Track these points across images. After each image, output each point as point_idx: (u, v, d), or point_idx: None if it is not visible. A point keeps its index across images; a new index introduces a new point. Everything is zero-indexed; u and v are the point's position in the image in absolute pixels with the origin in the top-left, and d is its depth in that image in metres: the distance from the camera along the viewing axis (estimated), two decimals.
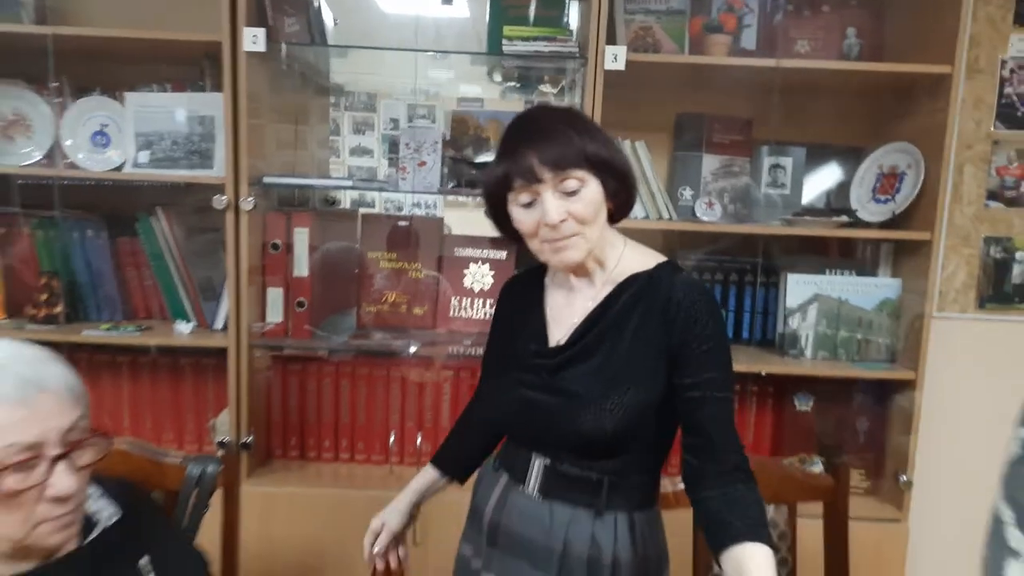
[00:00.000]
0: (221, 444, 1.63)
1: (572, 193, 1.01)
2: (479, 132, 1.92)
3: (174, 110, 1.70)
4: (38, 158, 1.73)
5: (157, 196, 1.77)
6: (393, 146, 1.82)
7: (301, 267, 1.74)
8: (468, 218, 2.10)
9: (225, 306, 1.71)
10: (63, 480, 0.79)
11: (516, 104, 2.11)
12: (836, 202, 1.90)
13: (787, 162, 1.90)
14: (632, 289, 1.07)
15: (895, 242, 1.79)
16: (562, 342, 1.09)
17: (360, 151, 2.37)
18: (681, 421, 1.04)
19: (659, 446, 1.08)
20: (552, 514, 1.07)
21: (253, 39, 1.56)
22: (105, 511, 0.91)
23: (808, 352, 1.78)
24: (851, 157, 1.89)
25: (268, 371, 1.81)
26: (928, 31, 1.68)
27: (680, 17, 1.82)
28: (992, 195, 1.98)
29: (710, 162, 1.87)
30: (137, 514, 0.95)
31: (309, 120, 2.07)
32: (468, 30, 1.93)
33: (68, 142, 1.71)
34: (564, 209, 1.01)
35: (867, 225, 1.76)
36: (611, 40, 1.73)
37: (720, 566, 0.97)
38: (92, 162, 1.72)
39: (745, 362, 1.73)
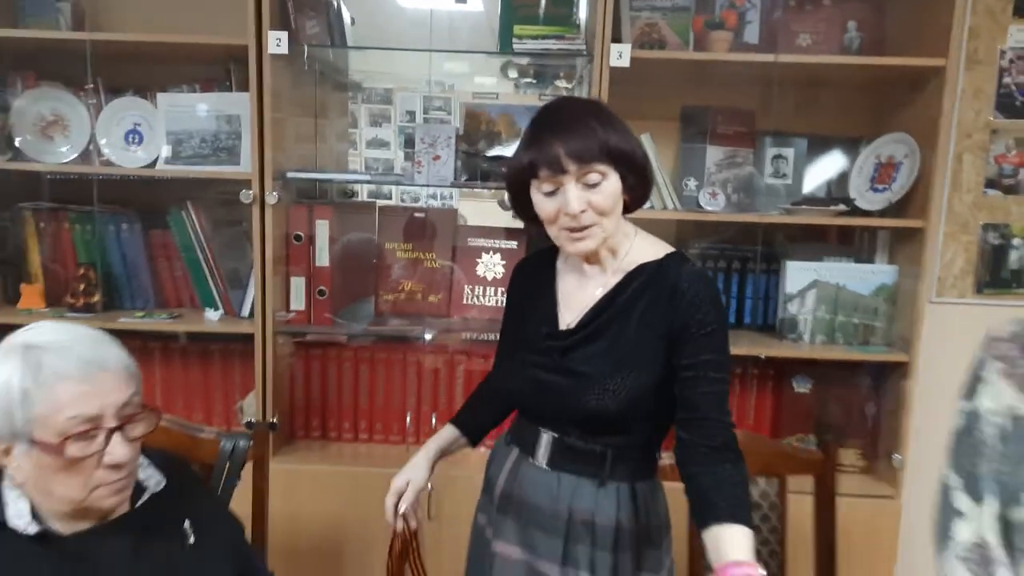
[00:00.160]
0: (249, 424, 1.73)
1: (593, 185, 1.06)
2: (491, 127, 2.00)
3: (202, 109, 1.80)
4: (75, 156, 1.83)
5: (187, 191, 1.87)
6: (409, 141, 1.90)
7: (322, 257, 1.84)
8: (481, 209, 2.18)
9: (251, 294, 1.82)
10: (118, 449, 0.90)
11: (530, 99, 2.18)
12: (836, 191, 1.96)
13: (789, 153, 1.96)
14: (641, 278, 1.12)
15: (892, 229, 1.85)
16: (572, 326, 1.15)
17: (377, 143, 2.45)
18: (677, 399, 1.10)
19: (659, 424, 1.15)
20: (559, 483, 1.14)
21: (277, 42, 1.64)
22: (152, 479, 1.01)
23: (807, 336, 1.85)
24: (851, 147, 1.94)
25: (291, 356, 1.91)
26: (925, 24, 1.73)
27: (685, 13, 1.88)
28: (990, 183, 2.02)
29: (714, 153, 1.93)
30: (180, 482, 1.06)
31: (328, 115, 2.15)
32: (482, 23, 1.99)
33: (103, 140, 1.82)
34: (585, 200, 1.06)
35: (865, 213, 1.82)
36: (618, 35, 1.79)
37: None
38: (125, 159, 1.82)
39: (746, 346, 1.80)
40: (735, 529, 0.99)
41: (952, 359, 2.11)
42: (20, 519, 0.90)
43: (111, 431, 0.89)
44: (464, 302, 1.98)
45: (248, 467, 1.33)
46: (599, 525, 1.12)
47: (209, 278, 1.88)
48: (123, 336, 0.97)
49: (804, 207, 1.81)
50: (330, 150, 2.16)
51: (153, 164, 1.81)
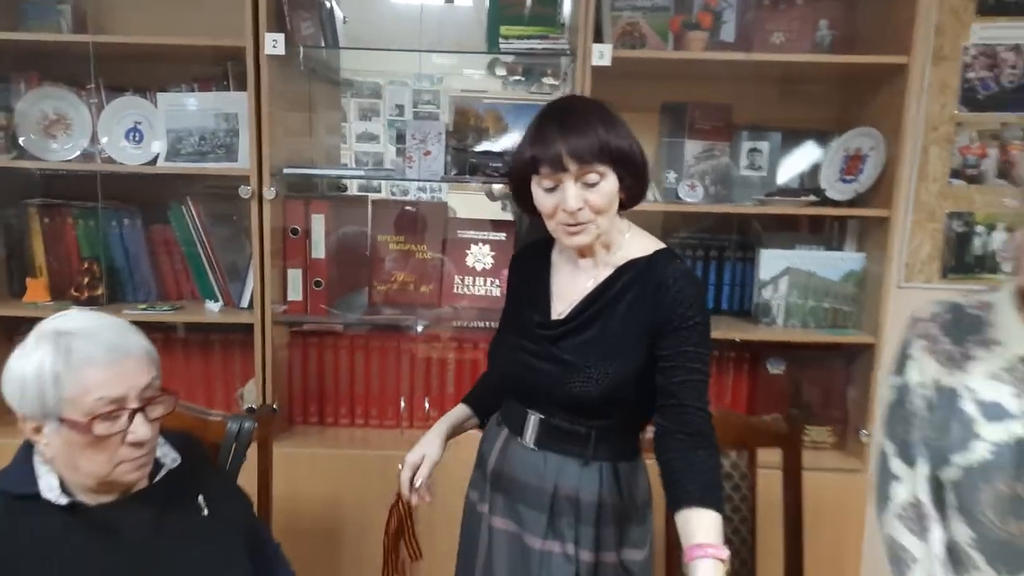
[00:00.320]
0: (250, 410, 1.81)
1: (592, 185, 1.11)
2: (479, 123, 2.08)
3: (201, 108, 1.87)
4: (77, 154, 1.89)
5: (186, 187, 1.94)
6: (400, 137, 1.98)
7: (318, 250, 1.91)
8: (469, 201, 2.26)
9: (250, 286, 1.89)
10: (140, 428, 0.98)
11: (518, 95, 2.26)
12: (808, 182, 2.05)
13: (764, 146, 2.05)
14: (630, 273, 1.18)
15: (860, 218, 1.95)
16: (563, 316, 1.21)
17: (367, 137, 2.52)
18: (657, 387, 1.15)
19: (640, 410, 1.20)
20: (545, 462, 1.21)
21: (273, 43, 1.71)
22: (169, 456, 1.10)
23: (780, 320, 1.95)
24: (822, 140, 2.03)
25: (289, 345, 1.99)
26: (891, 23, 1.81)
27: (665, 13, 1.96)
28: (955, 173, 2.12)
29: (693, 147, 2.02)
30: (194, 459, 1.14)
31: (321, 111, 2.22)
32: (471, 18, 2.06)
33: (104, 139, 1.88)
34: (582, 198, 1.11)
35: (834, 203, 1.92)
36: (600, 34, 1.87)
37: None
38: (127, 157, 1.88)
39: (723, 330, 1.90)
40: (705, 513, 1.05)
41: None
42: (51, 491, 0.98)
43: (134, 412, 0.98)
44: (455, 292, 2.06)
45: (252, 449, 1.41)
46: (583, 501, 1.19)
47: (209, 271, 1.95)
48: None
49: (777, 198, 1.91)
50: (323, 145, 2.23)
51: (153, 161, 1.88)
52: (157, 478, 1.07)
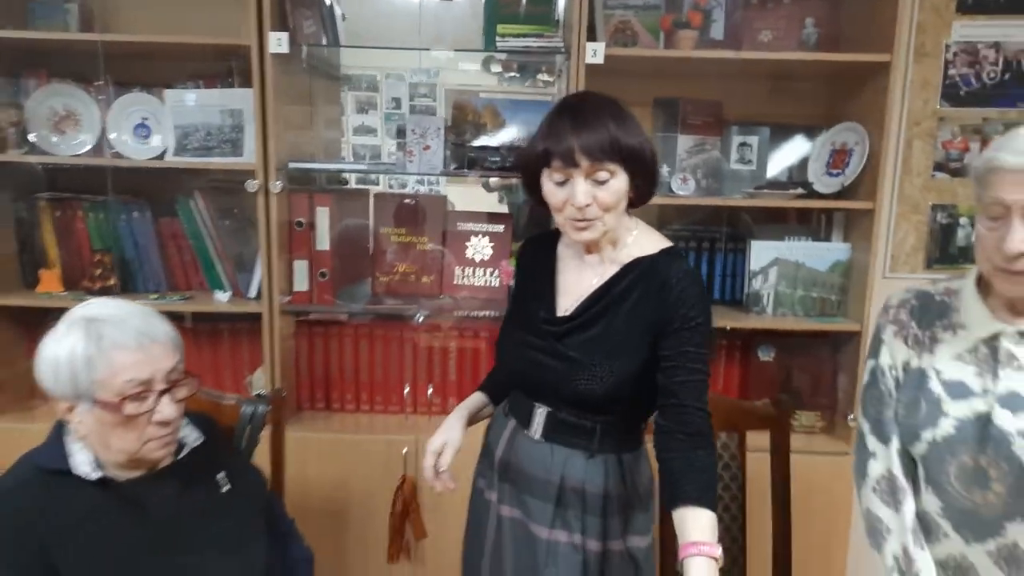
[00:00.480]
0: (259, 396, 1.88)
1: (601, 182, 1.12)
2: (477, 118, 2.14)
3: (207, 105, 1.92)
4: (87, 149, 1.95)
5: (193, 181, 1.99)
6: (400, 132, 2.03)
7: (323, 242, 1.97)
8: (466, 194, 2.32)
9: (257, 277, 1.95)
10: (166, 408, 1.05)
11: (514, 90, 2.31)
12: (797, 176, 2.12)
13: (753, 140, 2.12)
14: (635, 271, 1.19)
15: (845, 210, 2.02)
16: (568, 312, 1.22)
17: (364, 130, 2.56)
18: (658, 385, 1.16)
19: (644, 404, 1.22)
20: (552, 454, 1.23)
21: (278, 42, 1.77)
22: (191, 436, 1.17)
23: (769, 309, 2.02)
24: (810, 135, 2.10)
25: (296, 334, 2.05)
26: (875, 21, 1.88)
27: (656, 11, 2.02)
28: (939, 167, 2.20)
29: (684, 141, 2.08)
30: (214, 439, 1.21)
31: (322, 106, 2.27)
32: (467, 13, 2.12)
33: (113, 134, 1.93)
34: (591, 195, 1.12)
35: (821, 196, 1.99)
36: (593, 32, 1.93)
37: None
38: (135, 152, 1.94)
39: (715, 318, 1.93)
40: (700, 512, 1.08)
41: None
42: (84, 467, 1.05)
43: (161, 393, 1.04)
44: (455, 282, 2.13)
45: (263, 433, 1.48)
46: (589, 493, 1.21)
47: (217, 262, 2.01)
48: None
49: (766, 191, 1.98)
50: (324, 139, 2.29)
51: (161, 156, 1.93)
52: (180, 456, 1.14)
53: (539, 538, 1.23)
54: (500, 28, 1.90)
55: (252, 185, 1.83)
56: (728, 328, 2.00)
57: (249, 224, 2.02)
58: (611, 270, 1.22)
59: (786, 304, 2.02)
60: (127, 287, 2.01)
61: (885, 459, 1.16)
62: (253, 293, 1.99)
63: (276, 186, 1.84)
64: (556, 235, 1.32)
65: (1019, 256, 0.99)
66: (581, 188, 1.12)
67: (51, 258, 2.00)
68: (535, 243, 1.37)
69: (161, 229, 2.03)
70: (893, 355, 1.17)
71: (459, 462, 1.77)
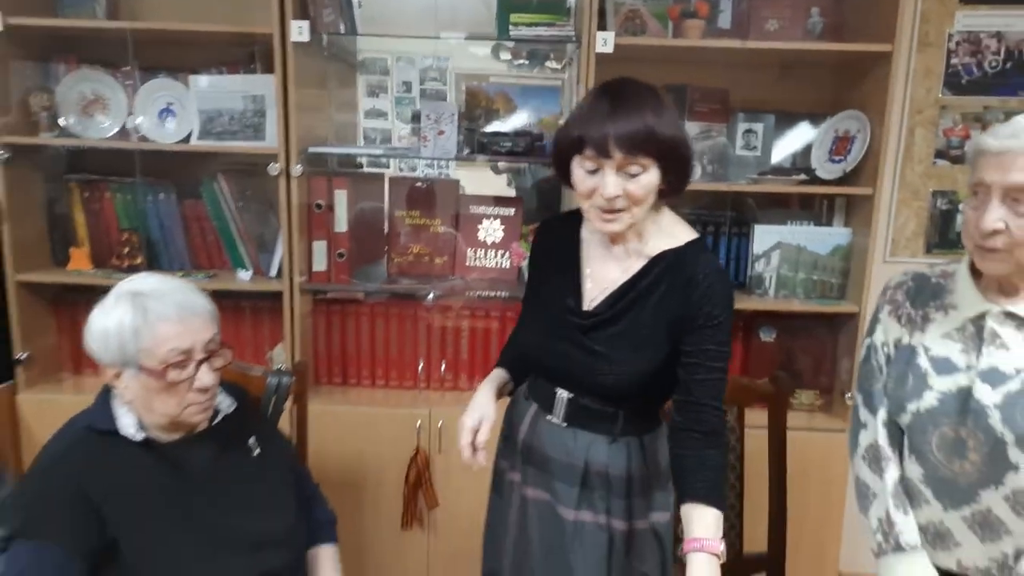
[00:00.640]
0: (279, 371, 1.96)
1: (633, 175, 1.10)
2: (489, 104, 2.20)
3: (230, 90, 1.99)
4: (114, 132, 2.02)
5: (216, 164, 2.07)
6: (415, 117, 2.10)
7: (340, 223, 2.05)
8: (476, 177, 2.39)
9: (278, 256, 2.03)
10: (205, 376, 1.13)
11: (526, 77, 2.36)
12: (801, 162, 2.18)
13: (759, 127, 2.18)
14: (661, 265, 1.18)
15: (847, 196, 2.08)
16: (594, 306, 1.22)
17: (375, 113, 2.61)
18: (677, 379, 1.18)
19: (666, 390, 1.23)
20: (575, 438, 1.25)
21: (299, 30, 1.84)
22: (225, 403, 1.25)
23: (771, 291, 2.09)
24: (813, 122, 2.15)
25: (314, 312, 2.13)
26: (878, 11, 1.92)
27: (664, 0, 2.08)
28: (940, 154, 2.25)
29: (691, 128, 2.13)
30: (245, 406, 1.30)
31: (338, 91, 2.34)
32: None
33: (140, 119, 2.01)
34: (621, 187, 1.10)
35: (823, 182, 2.05)
36: (603, 21, 1.99)
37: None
38: (161, 135, 2.01)
39: None
40: (707, 510, 1.11)
41: None
42: (130, 429, 1.14)
43: (200, 362, 1.13)
44: (467, 263, 2.20)
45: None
46: (612, 476, 1.23)
47: (239, 242, 2.09)
48: None
49: (769, 177, 2.04)
50: (340, 123, 2.35)
51: (186, 140, 2.01)
52: (215, 421, 1.22)
53: (565, 519, 1.25)
54: (513, 17, 1.96)
55: (274, 168, 1.91)
56: None
57: (269, 206, 2.10)
58: (637, 264, 1.21)
59: (788, 286, 2.09)
60: (153, 266, 2.09)
61: (873, 429, 1.24)
62: (274, 272, 2.07)
63: (297, 170, 1.91)
64: (578, 218, 1.29)
65: (992, 233, 1.05)
66: (611, 180, 1.10)
67: (80, 237, 2.09)
68: (556, 225, 1.35)
69: (186, 210, 2.11)
70: (887, 333, 1.25)
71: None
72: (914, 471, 1.20)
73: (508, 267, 2.18)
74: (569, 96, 2.16)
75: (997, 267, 1.09)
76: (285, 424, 1.57)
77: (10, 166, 1.93)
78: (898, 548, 1.18)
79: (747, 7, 2.07)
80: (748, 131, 2.18)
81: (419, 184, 2.20)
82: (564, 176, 1.21)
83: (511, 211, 2.20)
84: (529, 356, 1.34)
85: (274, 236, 2.07)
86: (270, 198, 2.06)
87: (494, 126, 2.20)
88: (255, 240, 2.10)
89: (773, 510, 1.61)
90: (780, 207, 2.18)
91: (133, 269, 2.02)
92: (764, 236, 2.09)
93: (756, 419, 1.69)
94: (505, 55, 2.28)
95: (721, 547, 1.09)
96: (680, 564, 1.13)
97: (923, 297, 1.22)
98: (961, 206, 2.27)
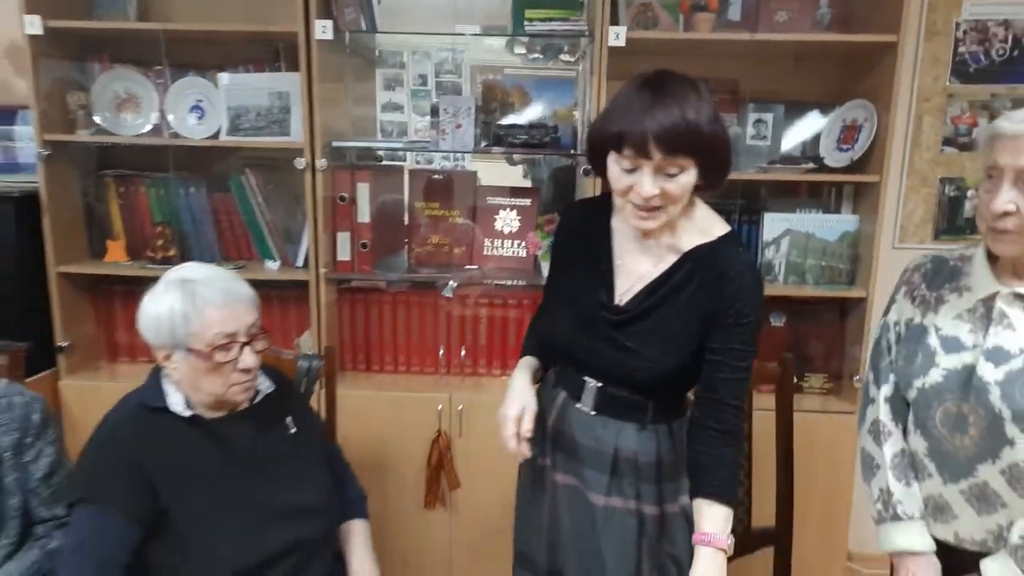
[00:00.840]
0: (309, 355, 2.05)
1: (671, 175, 1.08)
2: (505, 98, 2.27)
3: (256, 87, 2.07)
4: (147, 129, 2.11)
5: (244, 159, 2.16)
6: (434, 111, 2.17)
7: (363, 215, 2.13)
8: (493, 169, 2.45)
9: (304, 247, 2.12)
10: (248, 358, 1.22)
11: (541, 69, 2.42)
12: (810, 151, 2.23)
13: (768, 117, 2.23)
14: (693, 260, 1.18)
15: (854, 184, 2.13)
16: (625, 301, 1.22)
17: (391, 107, 2.67)
18: (700, 375, 1.19)
19: (696, 379, 1.23)
20: (604, 426, 1.25)
21: (323, 29, 1.91)
22: (265, 383, 1.34)
23: (781, 277, 2.14)
24: (822, 112, 2.20)
25: (338, 300, 2.22)
26: (883, 2, 1.95)
27: None
28: (947, 141, 2.30)
29: None
30: (282, 388, 1.38)
31: (358, 86, 2.41)
32: None
33: (171, 116, 2.10)
34: (659, 186, 1.08)
35: (831, 170, 2.10)
36: (616, 14, 2.04)
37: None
38: (191, 132, 2.10)
39: None
40: (719, 507, 1.14)
41: None
42: (178, 406, 1.23)
43: (243, 344, 1.22)
44: (485, 253, 2.28)
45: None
46: (642, 462, 1.25)
47: (267, 234, 2.18)
48: None
49: (778, 165, 2.09)
50: (357, 117, 2.43)
51: (215, 135, 2.09)
52: (256, 401, 1.31)
53: (596, 505, 1.27)
54: (528, 12, 2.02)
55: (300, 163, 1.99)
56: None
57: (294, 198, 2.19)
58: (670, 258, 1.20)
59: (797, 272, 2.15)
60: (185, 258, 2.17)
61: (877, 405, 1.30)
62: (300, 262, 2.16)
63: (322, 164, 1.99)
64: (608, 205, 1.27)
65: (1003, 215, 1.09)
66: (648, 179, 1.09)
67: (116, 230, 2.19)
68: (585, 210, 1.34)
69: (215, 204, 2.19)
70: (900, 312, 1.30)
71: (488, 414, 1.91)
72: (919, 445, 1.25)
73: (524, 256, 2.26)
74: (583, 88, 2.22)
75: (1009, 248, 1.12)
76: (314, 406, 1.66)
77: (50, 162, 2.02)
78: (896, 517, 1.24)
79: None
80: (758, 121, 2.24)
81: (437, 176, 2.28)
82: (598, 168, 1.19)
83: (527, 201, 2.27)
84: (556, 346, 1.33)
85: (299, 228, 2.16)
86: (294, 191, 2.14)
87: (510, 119, 2.26)
88: (281, 232, 2.19)
89: (781, 487, 1.68)
90: (790, 195, 2.23)
91: (166, 261, 2.12)
92: (773, 223, 2.14)
93: (766, 402, 1.75)
94: (520, 49, 2.34)
95: (728, 542, 1.13)
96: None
97: (939, 279, 1.26)
98: (970, 193, 2.31)
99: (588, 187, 2.02)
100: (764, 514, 1.72)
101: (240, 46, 2.13)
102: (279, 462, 1.31)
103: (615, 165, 1.13)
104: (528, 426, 1.23)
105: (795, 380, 2.18)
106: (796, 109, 2.23)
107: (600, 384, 1.25)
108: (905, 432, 1.29)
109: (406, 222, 2.28)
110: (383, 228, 2.21)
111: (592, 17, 1.99)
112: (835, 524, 2.15)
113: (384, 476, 2.13)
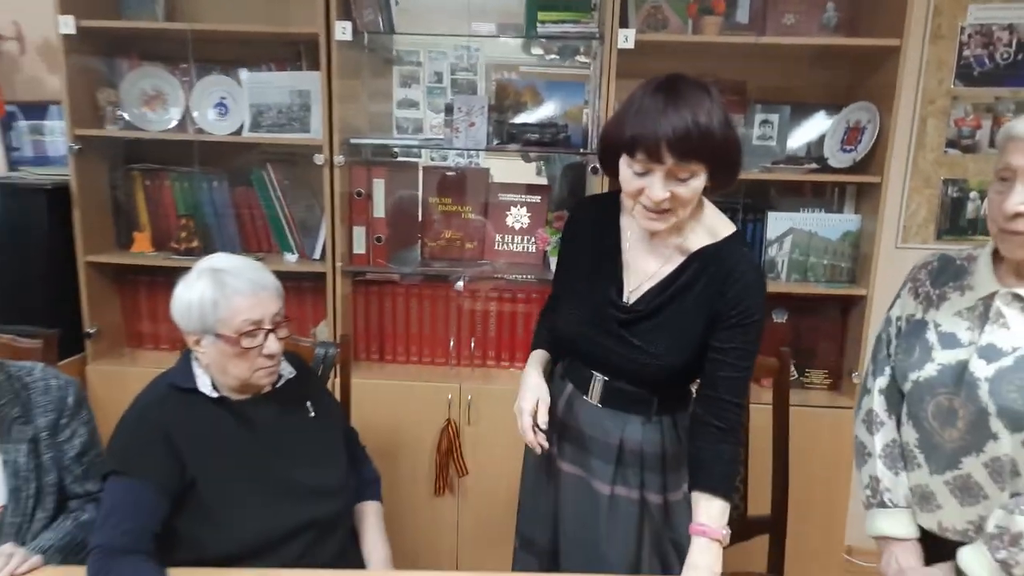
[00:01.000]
0: (325, 343, 2.13)
1: (682, 180, 1.11)
2: (518, 97, 2.33)
3: (278, 86, 2.15)
4: (173, 125, 2.20)
5: (265, 154, 2.24)
6: (448, 109, 2.23)
7: (379, 210, 2.20)
8: (507, 167, 2.52)
9: (321, 240, 2.20)
10: (272, 344, 1.30)
11: (553, 70, 2.48)
12: (815, 151, 2.28)
13: (774, 118, 2.28)
14: (701, 260, 1.21)
15: (857, 184, 2.18)
16: (634, 300, 1.25)
17: (407, 104, 2.73)
18: (702, 372, 1.23)
19: (699, 373, 1.27)
20: (611, 418, 1.30)
21: (342, 30, 1.98)
22: (287, 369, 1.42)
23: (783, 275, 2.20)
24: (827, 113, 2.25)
25: (354, 292, 2.29)
26: (887, 7, 2.00)
27: None
28: (951, 143, 2.34)
29: None
30: (303, 373, 1.46)
31: (372, 83, 2.47)
32: None
33: (195, 112, 2.18)
34: (669, 190, 1.11)
35: (834, 171, 2.15)
36: (626, 16, 2.10)
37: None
38: (215, 128, 2.18)
39: None
40: (716, 500, 1.18)
41: None
42: (206, 388, 1.31)
43: (268, 331, 1.29)
44: (495, 248, 2.35)
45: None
46: (647, 453, 1.29)
47: (286, 227, 2.26)
48: None
49: (781, 165, 2.15)
50: (374, 113, 2.50)
51: (238, 132, 2.17)
52: (279, 385, 1.39)
53: (601, 493, 1.31)
54: (541, 15, 2.08)
55: (318, 159, 2.06)
56: None
57: (312, 193, 2.26)
58: (677, 259, 1.23)
59: (799, 270, 2.20)
60: (208, 250, 2.23)
61: (872, 395, 1.35)
62: (317, 255, 2.24)
63: (339, 160, 2.07)
64: (617, 203, 1.31)
65: (1015, 216, 1.10)
66: (659, 184, 1.11)
67: (142, 222, 2.27)
68: (594, 208, 1.36)
69: (237, 197, 2.28)
70: (903, 308, 1.34)
71: (497, 405, 1.97)
72: (910, 436, 1.29)
73: (534, 251, 2.32)
74: (595, 88, 2.28)
75: (1020, 251, 1.14)
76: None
77: (80, 156, 2.11)
78: (882, 504, 1.29)
79: (764, 3, 2.17)
80: (765, 121, 2.29)
81: (451, 173, 2.35)
82: (610, 169, 1.21)
83: (537, 198, 2.33)
84: (564, 340, 1.37)
85: (317, 221, 2.24)
86: (313, 186, 2.22)
87: (521, 117, 2.33)
88: (299, 225, 2.27)
89: (777, 477, 1.74)
90: (795, 195, 2.28)
91: (189, 252, 2.20)
92: (777, 222, 2.20)
93: (766, 396, 1.80)
94: (538, 50, 2.40)
95: (723, 532, 1.17)
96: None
97: (944, 277, 1.29)
98: (990, 193, 2.35)
99: (597, 185, 2.09)
100: (762, 503, 1.78)
101: (263, 46, 2.21)
102: (299, 443, 1.39)
103: (627, 168, 1.15)
104: (544, 418, 1.27)
105: (797, 376, 2.26)
106: (802, 110, 2.28)
107: (607, 378, 1.30)
108: (899, 423, 1.33)
109: (420, 217, 2.35)
110: (397, 223, 2.29)
111: (602, 20, 2.05)
112: (834, 517, 2.20)
113: (395, 463, 2.21)
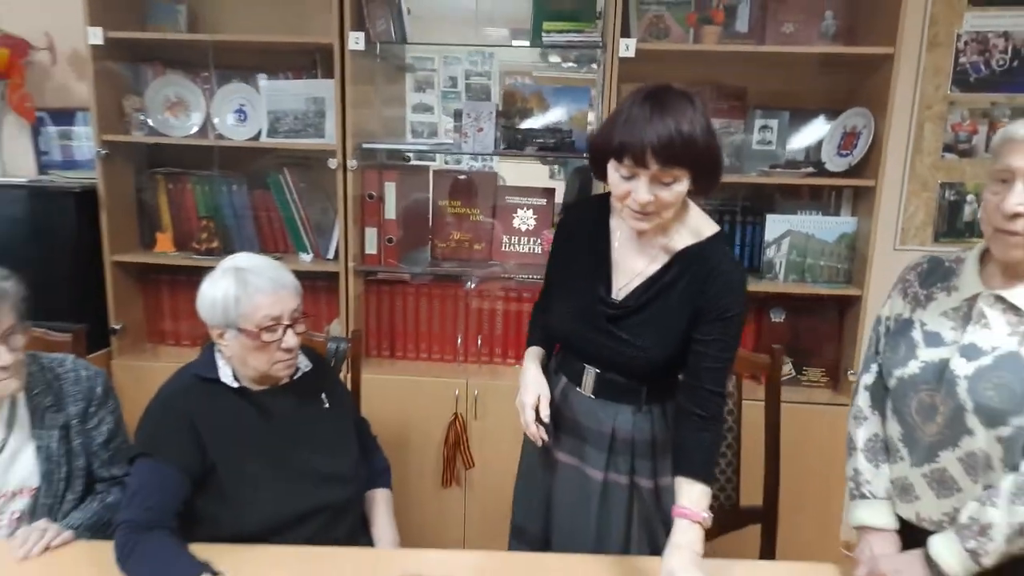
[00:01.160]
0: (337, 338, 2.22)
1: (666, 184, 1.18)
2: (525, 103, 2.41)
3: (294, 93, 2.24)
4: (194, 131, 2.30)
5: (282, 159, 2.33)
6: (457, 115, 2.32)
7: (390, 212, 2.29)
8: (517, 171, 2.60)
9: (335, 241, 2.29)
10: (291, 338, 1.38)
11: (560, 77, 2.56)
12: (813, 156, 2.34)
13: (774, 123, 2.35)
14: (685, 259, 1.28)
15: (853, 187, 2.24)
16: (622, 296, 1.32)
17: (421, 108, 2.81)
18: (686, 363, 1.28)
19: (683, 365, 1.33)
20: (603, 408, 1.37)
21: (356, 41, 2.07)
22: (303, 362, 1.51)
23: (781, 276, 2.26)
24: (825, 119, 2.31)
25: (366, 291, 2.38)
26: (883, 16, 2.07)
27: (687, 7, 2.26)
28: (948, 148, 2.39)
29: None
30: (319, 367, 1.55)
31: (388, 91, 2.57)
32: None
33: (216, 119, 2.28)
34: (653, 194, 1.18)
35: (831, 174, 2.21)
36: (628, 26, 2.17)
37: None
38: (234, 133, 2.28)
39: None
40: (697, 485, 1.23)
41: None
42: (228, 378, 1.41)
43: (287, 326, 1.38)
44: (503, 249, 2.43)
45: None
46: (638, 440, 1.36)
47: (301, 228, 2.35)
48: None
49: (779, 169, 2.21)
50: (387, 118, 2.59)
51: (256, 137, 2.27)
52: (295, 377, 1.48)
53: (593, 479, 1.39)
54: (546, 25, 2.16)
55: (332, 163, 2.16)
56: None
57: (326, 196, 2.36)
58: (663, 258, 1.30)
59: (796, 271, 2.26)
60: (228, 250, 2.35)
61: (858, 391, 1.42)
62: (331, 255, 2.33)
63: (353, 164, 2.16)
64: (608, 205, 1.37)
65: (1014, 216, 1.13)
66: (643, 187, 1.18)
67: (165, 223, 2.38)
68: (586, 211, 1.43)
69: (255, 200, 2.37)
70: (893, 308, 1.39)
71: (500, 399, 2.04)
72: (894, 430, 1.34)
73: (540, 252, 2.40)
74: (599, 94, 2.35)
75: (1015, 253, 1.16)
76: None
77: (107, 160, 2.22)
78: (863, 496, 1.36)
79: (763, 12, 2.24)
80: (764, 127, 2.35)
81: (460, 176, 2.43)
82: (599, 173, 1.28)
83: (543, 201, 2.41)
84: (557, 336, 1.45)
85: (331, 223, 2.33)
86: (327, 189, 2.31)
87: (528, 123, 2.41)
88: (314, 226, 2.36)
89: (769, 469, 1.80)
90: (793, 198, 2.34)
91: (210, 252, 2.30)
92: (775, 225, 2.26)
93: (761, 392, 1.86)
94: (555, 58, 2.49)
95: (704, 515, 1.22)
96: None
97: (933, 278, 1.33)
98: (985, 195, 2.39)
99: (602, 186, 2.16)
100: (757, 495, 1.84)
101: (280, 55, 2.31)
102: (313, 432, 1.47)
103: (615, 172, 1.22)
104: (546, 412, 1.35)
105: (795, 374, 2.32)
106: (801, 115, 2.34)
107: (598, 370, 1.37)
108: (885, 418, 1.39)
109: (430, 219, 2.44)
110: (408, 224, 2.37)
111: (605, 29, 2.13)
112: (830, 510, 2.26)
113: (404, 455, 2.29)
